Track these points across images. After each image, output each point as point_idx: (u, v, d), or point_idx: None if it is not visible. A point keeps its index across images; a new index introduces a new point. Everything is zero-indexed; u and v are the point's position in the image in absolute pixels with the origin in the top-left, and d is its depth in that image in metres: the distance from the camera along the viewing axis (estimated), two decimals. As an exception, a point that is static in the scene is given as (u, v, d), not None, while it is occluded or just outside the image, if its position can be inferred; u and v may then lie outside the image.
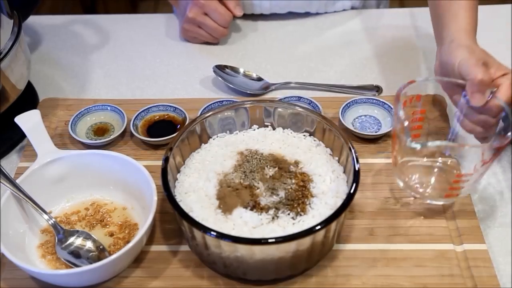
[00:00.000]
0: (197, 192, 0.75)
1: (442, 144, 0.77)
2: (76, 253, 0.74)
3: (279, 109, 0.82)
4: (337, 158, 0.79)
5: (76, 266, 0.73)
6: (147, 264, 0.75)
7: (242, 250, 0.67)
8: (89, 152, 0.81)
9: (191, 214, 0.71)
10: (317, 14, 1.19)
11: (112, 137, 0.90)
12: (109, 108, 0.95)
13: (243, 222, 0.71)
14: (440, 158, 0.82)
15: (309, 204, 0.73)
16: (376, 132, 0.90)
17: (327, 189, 0.74)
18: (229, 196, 0.74)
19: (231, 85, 1.00)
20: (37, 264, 0.74)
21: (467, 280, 0.72)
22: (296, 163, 0.78)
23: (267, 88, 1.01)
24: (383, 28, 1.16)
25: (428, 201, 0.78)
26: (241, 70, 1.04)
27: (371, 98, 0.94)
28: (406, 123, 0.72)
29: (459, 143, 0.82)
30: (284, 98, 0.96)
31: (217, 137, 0.83)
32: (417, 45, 1.11)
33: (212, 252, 0.70)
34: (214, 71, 1.02)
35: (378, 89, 1.01)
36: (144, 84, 1.04)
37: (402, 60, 1.08)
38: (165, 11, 1.25)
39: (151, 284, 0.73)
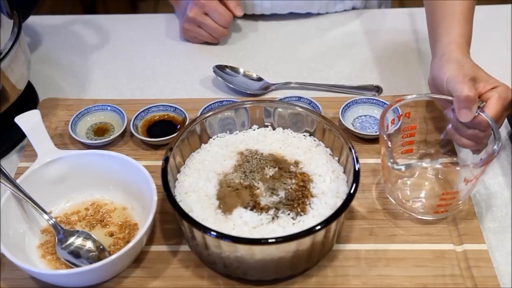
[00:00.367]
0: (197, 192, 0.75)
1: (426, 165, 0.79)
2: (76, 253, 0.74)
3: (279, 109, 0.82)
4: (337, 158, 0.79)
5: (76, 266, 0.73)
6: (147, 264, 0.75)
7: (242, 250, 0.67)
8: (89, 152, 0.81)
9: (191, 214, 0.71)
10: (317, 14, 1.19)
11: (112, 137, 0.90)
12: (109, 108, 0.95)
13: (243, 222, 0.71)
14: (430, 172, 0.83)
15: (309, 204, 0.73)
16: (376, 132, 0.90)
17: (327, 189, 0.74)
18: (229, 196, 0.74)
19: (231, 85, 1.00)
20: (37, 264, 0.74)
21: (467, 280, 0.72)
22: (296, 163, 0.78)
23: (267, 88, 1.01)
24: (383, 28, 1.16)
25: (419, 217, 0.79)
26: (241, 70, 1.04)
27: (371, 98, 0.94)
28: (389, 144, 0.73)
29: (444, 163, 0.83)
30: (284, 98, 0.96)
31: (217, 137, 0.83)
32: (417, 45, 1.11)
33: (212, 252, 0.70)
34: (214, 71, 1.02)
35: (378, 89, 1.01)
36: (144, 84, 1.04)
37: (402, 60, 1.08)
38: (165, 11, 1.25)
39: (151, 284, 0.73)
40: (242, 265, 0.70)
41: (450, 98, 0.78)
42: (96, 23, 1.20)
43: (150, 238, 0.77)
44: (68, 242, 0.75)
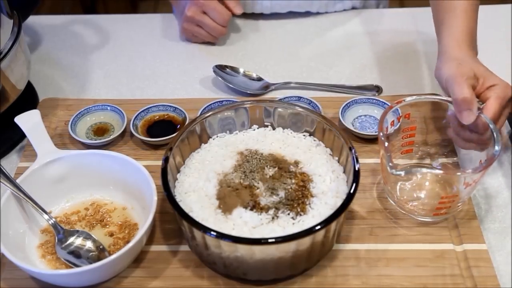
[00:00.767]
0: (197, 192, 0.75)
1: (426, 171, 0.80)
2: (76, 253, 0.74)
3: (279, 109, 0.82)
4: (337, 158, 0.79)
5: (76, 266, 0.73)
6: (147, 264, 0.75)
7: (242, 250, 0.67)
8: (89, 152, 0.81)
9: (191, 214, 0.71)
10: (317, 14, 1.19)
11: (112, 137, 0.90)
12: (109, 108, 0.95)
13: (243, 222, 0.71)
14: (430, 175, 0.83)
15: (309, 204, 0.73)
16: (376, 132, 0.90)
17: (327, 189, 0.74)
18: (229, 196, 0.74)
19: (231, 85, 1.00)
20: (37, 264, 0.74)
21: (467, 280, 0.72)
22: (296, 163, 0.78)
23: (267, 88, 1.01)
24: (383, 28, 1.16)
25: (419, 218, 0.79)
26: (241, 70, 1.04)
27: (371, 98, 0.94)
28: (388, 149, 0.73)
29: (444, 163, 0.83)
30: (284, 98, 0.96)
31: (217, 137, 0.83)
32: (417, 45, 1.11)
33: (212, 252, 0.70)
34: (214, 71, 1.02)
35: (378, 89, 1.01)
36: (144, 84, 1.04)
37: (402, 60, 1.08)
38: (165, 11, 1.25)
39: (151, 284, 0.73)
40: (242, 265, 0.70)
41: (449, 99, 0.78)
42: (96, 23, 1.20)
43: (150, 238, 0.77)
44: (68, 242, 0.75)
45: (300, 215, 0.72)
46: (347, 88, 1.01)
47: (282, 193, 0.74)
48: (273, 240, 0.66)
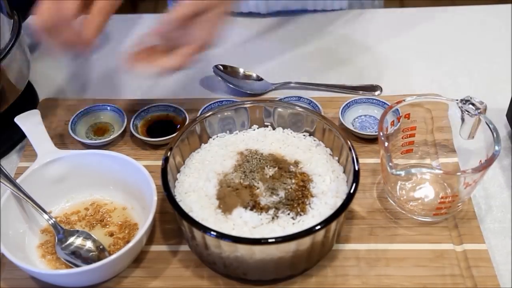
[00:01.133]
0: (197, 192, 0.75)
1: (425, 171, 0.80)
2: (76, 253, 0.74)
3: (279, 109, 0.82)
4: (337, 158, 0.79)
5: (76, 266, 0.73)
6: (147, 264, 0.75)
7: (242, 250, 0.67)
8: (89, 152, 0.81)
9: (191, 214, 0.71)
10: (317, 14, 1.19)
11: (112, 137, 0.90)
12: (109, 108, 0.95)
13: (243, 222, 0.71)
14: (429, 175, 0.83)
15: (309, 204, 0.73)
16: (376, 132, 0.90)
17: (327, 189, 0.74)
18: (229, 196, 0.74)
19: (231, 85, 1.00)
20: (37, 264, 0.74)
21: (467, 280, 0.72)
22: (296, 163, 0.78)
23: (267, 88, 1.01)
24: (383, 28, 1.16)
25: (419, 218, 0.79)
26: (241, 70, 1.04)
27: (371, 98, 0.94)
28: (388, 149, 0.73)
29: (443, 170, 0.83)
30: (284, 98, 0.96)
31: (217, 137, 0.83)
32: (417, 45, 1.11)
33: (212, 252, 0.70)
34: (214, 71, 1.02)
35: (378, 89, 1.01)
36: (144, 84, 1.04)
37: (402, 60, 1.08)
38: (165, 11, 1.25)
39: (151, 284, 0.73)
40: (242, 265, 0.70)
41: (450, 99, 0.78)
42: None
43: (150, 238, 0.77)
44: (68, 242, 0.75)
45: (300, 215, 0.72)
46: (347, 88, 1.01)
47: (282, 193, 0.74)
48: (273, 240, 0.66)
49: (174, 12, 0.77)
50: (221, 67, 1.03)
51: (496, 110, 0.90)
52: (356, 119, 0.93)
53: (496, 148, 0.72)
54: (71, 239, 0.75)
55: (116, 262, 0.69)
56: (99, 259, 0.72)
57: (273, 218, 0.71)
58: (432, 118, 0.85)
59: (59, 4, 0.73)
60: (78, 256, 0.74)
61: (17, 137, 0.91)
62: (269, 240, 0.66)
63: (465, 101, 0.77)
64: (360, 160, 0.75)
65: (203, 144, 0.82)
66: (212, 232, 0.66)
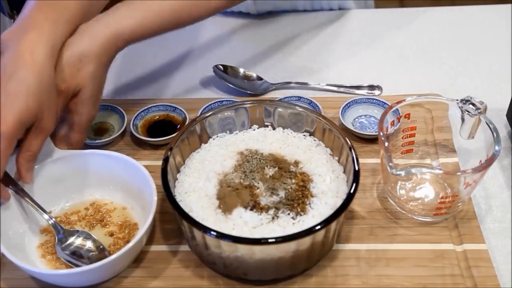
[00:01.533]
0: (197, 192, 0.75)
1: (426, 171, 0.79)
2: (76, 253, 0.74)
3: (279, 109, 0.82)
4: (337, 158, 0.79)
5: (76, 266, 0.73)
6: (147, 264, 0.75)
7: (242, 250, 0.67)
8: (89, 152, 0.81)
9: (191, 214, 0.71)
10: (318, 14, 1.19)
11: (112, 137, 0.90)
12: (109, 108, 0.95)
13: (243, 222, 0.71)
14: (429, 175, 0.83)
15: (309, 204, 0.73)
16: (376, 132, 0.90)
17: (327, 189, 0.74)
18: (229, 196, 0.74)
19: (231, 85, 1.00)
20: (37, 264, 0.74)
21: (467, 280, 0.72)
22: (296, 163, 0.78)
23: (267, 88, 1.01)
24: (383, 28, 1.16)
25: (419, 218, 0.79)
26: (241, 70, 1.04)
27: (371, 98, 0.94)
28: (389, 149, 0.73)
29: (443, 170, 0.83)
30: (284, 98, 0.96)
31: (217, 137, 0.83)
32: (417, 45, 1.11)
33: (212, 252, 0.70)
34: (214, 71, 1.02)
35: (378, 89, 1.01)
36: (144, 84, 1.04)
37: (402, 60, 1.08)
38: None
39: (151, 284, 0.73)
40: (242, 265, 0.70)
41: (450, 99, 0.78)
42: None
43: (150, 238, 0.77)
44: (68, 242, 0.75)
45: (300, 215, 0.72)
46: (347, 88, 1.01)
47: (282, 193, 0.74)
48: (273, 240, 0.66)
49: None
50: (221, 67, 1.03)
51: (496, 110, 0.90)
52: (356, 119, 0.93)
53: (496, 148, 0.72)
54: (71, 239, 0.75)
55: (116, 262, 0.69)
56: (99, 259, 0.72)
57: (273, 218, 0.71)
58: (432, 118, 0.85)
59: None
60: (79, 256, 0.74)
61: (17, 137, 0.91)
62: (269, 240, 0.66)
63: (465, 101, 0.77)
64: (360, 160, 0.75)
65: (203, 144, 0.82)
66: (212, 232, 0.66)
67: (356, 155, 0.74)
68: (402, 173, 0.72)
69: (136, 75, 1.07)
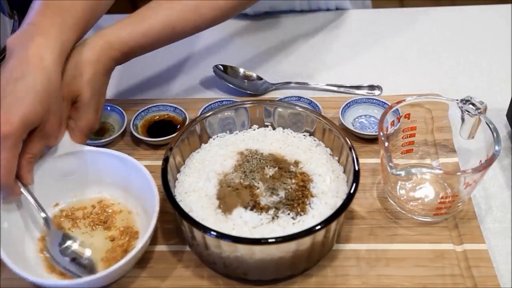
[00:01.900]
0: (197, 192, 0.75)
1: (426, 171, 0.79)
2: (72, 258, 0.73)
3: (279, 109, 0.82)
4: (337, 158, 0.79)
5: (69, 270, 0.72)
6: (147, 264, 0.75)
7: (242, 250, 0.67)
8: (105, 152, 0.80)
9: (191, 214, 0.71)
10: (318, 14, 1.19)
11: (112, 137, 0.90)
12: (109, 108, 0.95)
13: (243, 222, 0.71)
14: (429, 175, 0.83)
15: (309, 204, 0.73)
16: (376, 132, 0.90)
17: (327, 189, 0.74)
18: (229, 196, 0.74)
19: (231, 85, 1.00)
20: (36, 264, 0.73)
21: (467, 280, 0.72)
22: (296, 163, 0.78)
23: (267, 88, 1.01)
24: (383, 28, 1.16)
25: (419, 218, 0.79)
26: (241, 70, 1.04)
27: (371, 98, 0.94)
28: (388, 149, 0.73)
29: (443, 170, 0.83)
30: (284, 98, 0.96)
31: (217, 137, 0.83)
32: (417, 45, 1.11)
33: (212, 252, 0.70)
34: (214, 71, 1.02)
35: (378, 89, 1.01)
36: (144, 84, 1.04)
37: (402, 60, 1.08)
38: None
39: (151, 284, 0.73)
40: (242, 265, 0.70)
41: (450, 99, 0.78)
42: (96, 23, 1.19)
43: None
44: (64, 246, 0.74)
45: (300, 215, 0.72)
46: (347, 88, 1.01)
47: (282, 193, 0.74)
48: (273, 240, 0.66)
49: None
50: (221, 67, 1.03)
51: (496, 110, 0.90)
52: (356, 119, 0.93)
53: (496, 148, 0.72)
54: (68, 243, 0.75)
55: (115, 272, 0.68)
56: (94, 266, 0.72)
57: (273, 218, 0.71)
58: (432, 118, 0.85)
59: None
60: (73, 260, 0.73)
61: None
62: (269, 240, 0.66)
63: (465, 101, 0.77)
64: (360, 160, 0.75)
65: (203, 144, 0.82)
66: (212, 232, 0.66)
67: (356, 155, 0.74)
68: (402, 173, 0.72)
69: (136, 75, 1.07)
